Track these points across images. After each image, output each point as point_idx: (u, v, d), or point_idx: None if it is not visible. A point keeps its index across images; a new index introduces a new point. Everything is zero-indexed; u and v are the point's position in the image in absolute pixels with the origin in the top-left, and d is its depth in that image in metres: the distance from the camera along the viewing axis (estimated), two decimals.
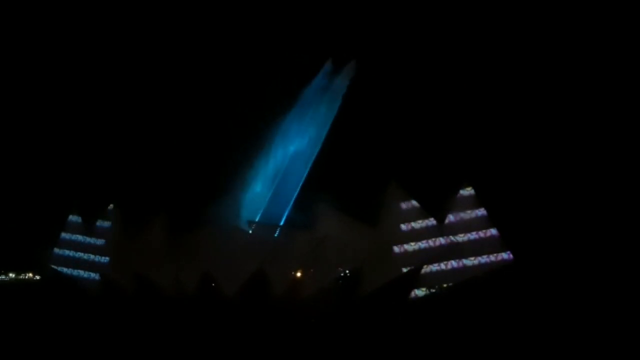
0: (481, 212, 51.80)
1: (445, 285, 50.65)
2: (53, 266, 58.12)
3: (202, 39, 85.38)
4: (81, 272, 56.92)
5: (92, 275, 56.57)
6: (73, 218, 59.97)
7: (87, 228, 59.38)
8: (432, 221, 52.98)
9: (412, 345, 32.85)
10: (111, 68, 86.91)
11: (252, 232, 63.35)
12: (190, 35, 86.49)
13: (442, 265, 50.71)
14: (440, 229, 52.29)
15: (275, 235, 63.30)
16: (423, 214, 53.52)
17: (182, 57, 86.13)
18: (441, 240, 51.59)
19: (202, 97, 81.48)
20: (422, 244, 51.97)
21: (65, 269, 57.34)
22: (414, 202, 54.11)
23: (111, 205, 60.38)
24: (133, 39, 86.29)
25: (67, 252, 58.33)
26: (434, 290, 50.73)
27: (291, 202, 67.14)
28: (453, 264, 50.52)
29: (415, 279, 50.65)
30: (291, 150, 68.84)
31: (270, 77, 75.55)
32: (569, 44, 76.13)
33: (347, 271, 53.06)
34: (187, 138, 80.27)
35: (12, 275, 70.89)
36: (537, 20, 79.30)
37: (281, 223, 65.77)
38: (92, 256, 57.80)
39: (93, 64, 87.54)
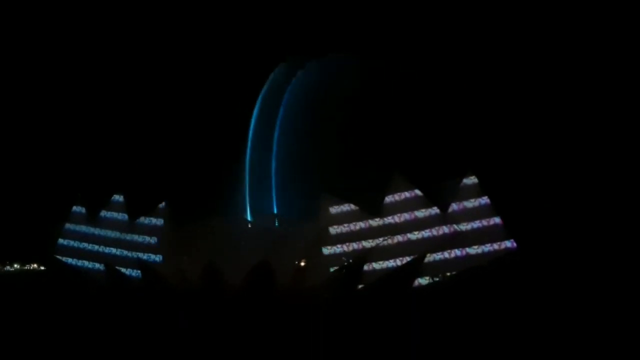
0: (484, 200, 51.58)
1: (448, 274, 50.63)
2: (57, 257, 58.42)
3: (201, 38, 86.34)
4: (86, 263, 57.20)
5: (97, 265, 56.80)
6: (77, 209, 60.13)
7: (91, 218, 59.55)
8: (435, 210, 52.80)
9: (416, 334, 32.91)
10: (113, 64, 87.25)
11: (254, 221, 63.42)
12: (193, 34, 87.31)
13: (446, 254, 50.59)
14: (444, 218, 52.14)
15: (276, 224, 63.31)
16: (426, 202, 53.38)
17: (181, 57, 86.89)
18: (444, 229, 51.41)
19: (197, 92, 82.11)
20: (426, 233, 51.81)
21: (69, 260, 57.65)
22: (417, 191, 53.95)
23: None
24: (141, 35, 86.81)
25: (71, 242, 58.62)
26: (437, 279, 50.77)
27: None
28: (456, 252, 50.38)
29: (419, 268, 50.65)
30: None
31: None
32: (569, 39, 75.94)
33: (350, 260, 53.08)
34: (190, 130, 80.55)
35: (17, 265, 71.46)
36: (539, 16, 79.12)
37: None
38: (96, 247, 57.98)
39: (96, 60, 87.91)
